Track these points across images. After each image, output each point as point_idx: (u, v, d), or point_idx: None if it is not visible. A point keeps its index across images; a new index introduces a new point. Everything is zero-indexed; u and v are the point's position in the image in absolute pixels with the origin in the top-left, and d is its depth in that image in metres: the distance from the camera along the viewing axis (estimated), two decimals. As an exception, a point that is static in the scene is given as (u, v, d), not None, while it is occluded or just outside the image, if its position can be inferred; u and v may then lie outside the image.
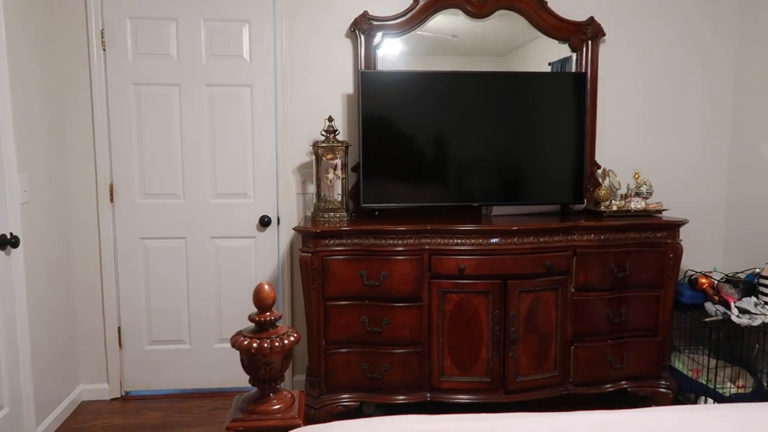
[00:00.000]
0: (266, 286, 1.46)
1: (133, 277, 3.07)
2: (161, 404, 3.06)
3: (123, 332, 3.10)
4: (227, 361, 3.09)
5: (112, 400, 3.10)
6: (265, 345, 1.40)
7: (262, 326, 1.45)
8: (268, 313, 1.45)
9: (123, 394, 3.14)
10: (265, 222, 3.09)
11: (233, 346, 1.43)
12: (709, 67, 3.28)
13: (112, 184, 3.00)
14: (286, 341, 1.43)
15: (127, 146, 3.00)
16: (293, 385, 3.17)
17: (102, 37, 2.91)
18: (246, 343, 1.41)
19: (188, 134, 3.02)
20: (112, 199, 3.01)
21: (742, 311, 2.71)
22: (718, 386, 2.80)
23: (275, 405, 1.46)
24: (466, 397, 2.68)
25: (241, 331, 1.47)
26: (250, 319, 1.46)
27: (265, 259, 3.13)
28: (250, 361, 1.44)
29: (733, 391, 2.82)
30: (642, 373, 2.84)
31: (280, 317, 1.48)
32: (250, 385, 1.49)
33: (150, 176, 3.03)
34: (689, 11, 3.23)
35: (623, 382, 2.82)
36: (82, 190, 2.98)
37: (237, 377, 2.95)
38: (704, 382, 2.83)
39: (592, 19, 3.11)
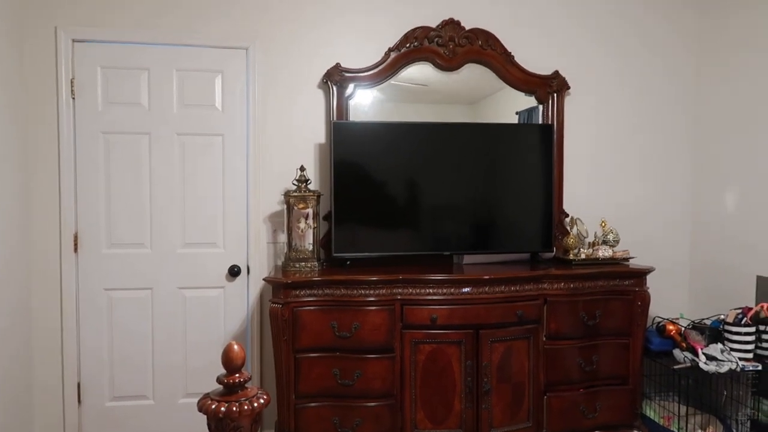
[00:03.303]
0: (236, 346, 1.42)
1: (95, 329, 2.97)
2: (122, 464, 2.92)
3: (83, 387, 2.97)
4: (192, 417, 2.96)
5: (69, 460, 2.94)
6: (234, 408, 1.35)
7: (230, 389, 1.40)
8: (237, 375, 1.41)
9: (81, 453, 2.99)
10: (234, 272, 3.04)
11: (200, 410, 1.38)
12: (670, 119, 3.43)
13: (76, 233, 2.93)
14: (255, 404, 1.38)
15: (94, 195, 2.94)
16: (262, 441, 3.06)
17: (72, 86, 2.88)
18: (214, 407, 1.36)
19: (158, 183, 2.98)
20: (76, 249, 2.93)
21: (710, 358, 2.75)
22: (689, 434, 2.81)
23: (243, 471, 1.40)
24: (439, 450, 2.63)
25: (208, 393, 1.42)
26: (219, 381, 1.41)
27: (234, 309, 3.07)
28: (218, 425, 1.38)
29: (704, 438, 2.84)
30: (615, 422, 2.84)
31: (250, 378, 1.44)
32: (216, 445, 1.42)
33: (117, 226, 2.97)
34: (650, 65, 3.39)
35: (596, 432, 2.82)
36: (45, 239, 2.89)
37: (203, 434, 2.84)
38: (676, 430, 2.84)
39: (557, 72, 3.23)
